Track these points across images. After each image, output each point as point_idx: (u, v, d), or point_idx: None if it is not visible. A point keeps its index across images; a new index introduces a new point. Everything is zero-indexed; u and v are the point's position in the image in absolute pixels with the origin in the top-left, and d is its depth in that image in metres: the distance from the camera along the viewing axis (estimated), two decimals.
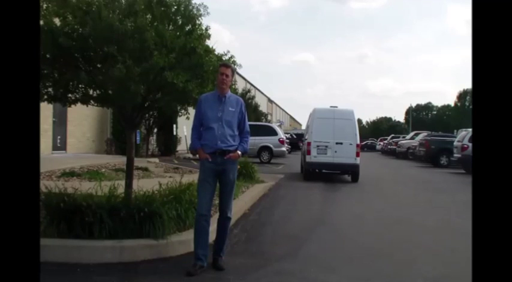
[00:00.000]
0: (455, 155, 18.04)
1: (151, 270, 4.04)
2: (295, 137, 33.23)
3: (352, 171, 13.19)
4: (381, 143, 43.79)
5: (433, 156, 21.80)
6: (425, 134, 27.58)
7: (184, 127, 20.72)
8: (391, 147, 34.00)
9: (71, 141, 14.74)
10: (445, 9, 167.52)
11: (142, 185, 5.21)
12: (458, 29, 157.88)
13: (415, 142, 26.41)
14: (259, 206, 7.95)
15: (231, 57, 4.82)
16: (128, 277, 3.89)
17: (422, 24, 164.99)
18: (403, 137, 35.50)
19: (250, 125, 4.67)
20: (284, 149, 20.20)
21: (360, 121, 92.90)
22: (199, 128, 4.23)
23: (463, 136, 17.62)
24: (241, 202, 7.30)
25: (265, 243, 5.35)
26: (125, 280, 3.85)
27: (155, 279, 3.89)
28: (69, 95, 4.81)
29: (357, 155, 12.85)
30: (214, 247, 4.26)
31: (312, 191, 10.59)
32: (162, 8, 4.59)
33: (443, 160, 21.28)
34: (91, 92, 4.85)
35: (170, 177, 8.16)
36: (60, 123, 13.91)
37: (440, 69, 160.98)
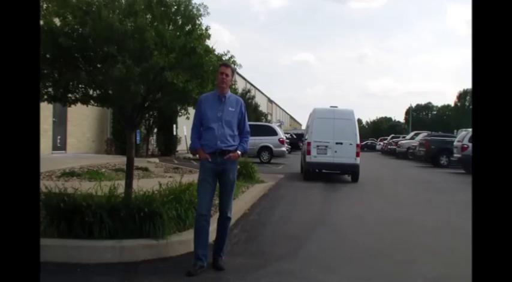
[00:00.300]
0: (455, 155, 18.05)
1: (152, 270, 4.04)
2: (295, 137, 33.24)
3: (352, 171, 13.19)
4: (381, 143, 43.79)
5: (433, 156, 21.81)
6: (425, 134, 27.59)
7: (184, 127, 20.73)
8: (391, 147, 34.01)
9: (71, 141, 14.75)
10: (445, 9, 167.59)
11: (142, 185, 5.21)
12: (458, 29, 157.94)
13: (415, 142, 26.41)
14: (259, 206, 7.95)
15: (231, 57, 4.82)
16: (128, 277, 3.89)
17: (422, 24, 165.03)
18: (403, 137, 35.49)
19: (250, 125, 4.67)
20: (284, 149, 20.20)
21: (360, 121, 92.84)
22: (199, 128, 4.23)
23: (463, 136, 17.62)
24: (241, 202, 7.30)
25: (265, 243, 5.35)
26: (124, 280, 3.85)
27: (155, 279, 3.89)
28: (69, 95, 4.81)
29: (357, 155, 12.84)
30: (214, 247, 4.25)
31: (312, 191, 10.59)
32: (162, 8, 4.60)
33: (443, 160, 21.28)
34: (91, 92, 4.85)
35: (170, 177, 8.16)
36: (60, 123, 13.91)
37: (440, 69, 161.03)
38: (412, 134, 32.80)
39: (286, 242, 5.46)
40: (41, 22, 4.11)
